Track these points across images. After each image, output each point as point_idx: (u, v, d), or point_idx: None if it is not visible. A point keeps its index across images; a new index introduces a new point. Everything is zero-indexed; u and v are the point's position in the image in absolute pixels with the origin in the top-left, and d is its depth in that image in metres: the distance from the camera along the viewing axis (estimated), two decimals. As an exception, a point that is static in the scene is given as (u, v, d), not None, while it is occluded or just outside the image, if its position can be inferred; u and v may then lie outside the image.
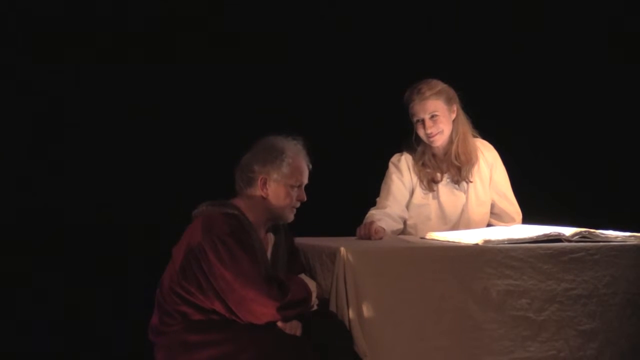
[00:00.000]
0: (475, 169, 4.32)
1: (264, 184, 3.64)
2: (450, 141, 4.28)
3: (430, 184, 4.30)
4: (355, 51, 5.17)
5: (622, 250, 3.86)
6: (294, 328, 3.52)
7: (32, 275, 4.77)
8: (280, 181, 3.64)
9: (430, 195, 4.31)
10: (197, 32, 4.99)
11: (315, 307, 3.62)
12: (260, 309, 3.46)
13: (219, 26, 5.04)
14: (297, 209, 3.71)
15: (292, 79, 5.07)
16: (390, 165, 4.36)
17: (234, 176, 3.69)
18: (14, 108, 4.75)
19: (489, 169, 4.36)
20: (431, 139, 4.23)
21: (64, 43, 4.79)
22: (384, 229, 4.03)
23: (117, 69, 4.87)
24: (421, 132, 4.25)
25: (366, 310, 3.55)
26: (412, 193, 4.32)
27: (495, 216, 4.40)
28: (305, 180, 3.71)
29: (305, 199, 3.69)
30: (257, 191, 3.65)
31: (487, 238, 3.78)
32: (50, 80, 4.79)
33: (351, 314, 3.53)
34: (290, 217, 3.71)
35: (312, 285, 3.64)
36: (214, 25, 5.03)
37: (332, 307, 3.57)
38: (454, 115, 4.27)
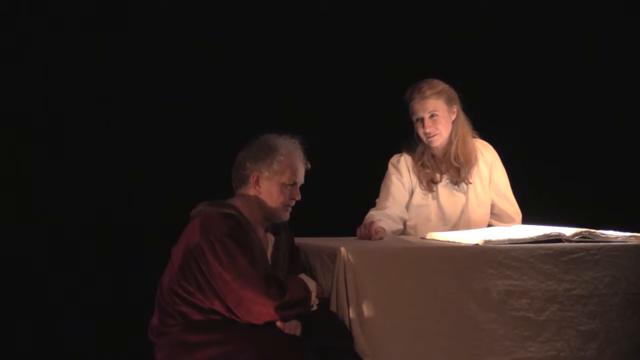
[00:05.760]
0: (474, 170, 4.32)
1: (257, 181, 3.64)
2: (450, 142, 4.28)
3: (430, 184, 4.30)
4: (356, 51, 5.17)
5: (623, 250, 3.86)
6: (293, 328, 3.52)
7: (32, 274, 4.76)
8: (272, 179, 3.63)
9: (430, 196, 4.31)
10: (195, 30, 4.99)
11: (315, 307, 3.62)
12: (259, 309, 3.46)
13: (218, 25, 5.04)
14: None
15: (292, 78, 5.06)
16: (390, 166, 4.36)
17: (231, 175, 3.70)
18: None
19: (489, 170, 4.36)
20: (430, 139, 4.23)
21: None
22: (384, 229, 4.03)
23: (117, 68, 4.87)
24: (420, 132, 4.25)
25: (366, 310, 3.55)
26: (411, 194, 4.32)
27: (495, 216, 4.40)
28: (300, 179, 3.69)
29: (299, 197, 3.68)
30: (251, 189, 3.65)
31: (488, 238, 3.78)
32: (47, 80, 4.80)
33: (351, 314, 3.53)
34: (285, 216, 3.70)
35: (311, 285, 3.64)
36: (213, 23, 5.03)
37: (332, 307, 3.57)
38: (454, 116, 4.27)
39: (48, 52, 4.78)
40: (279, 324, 3.51)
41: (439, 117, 4.21)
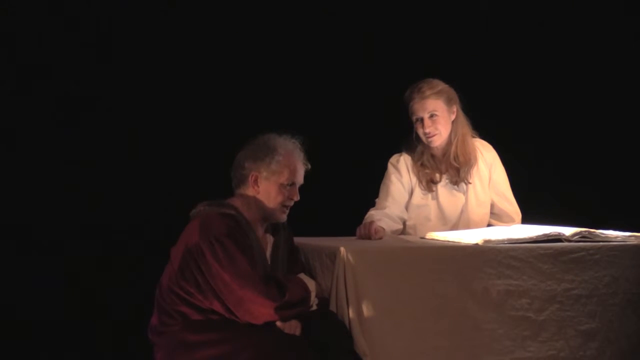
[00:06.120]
0: (474, 170, 4.32)
1: (255, 181, 3.64)
2: (449, 142, 4.28)
3: (429, 184, 4.30)
4: (356, 50, 5.17)
5: (622, 250, 3.86)
6: (293, 328, 3.52)
7: (32, 274, 4.76)
8: (270, 179, 3.63)
9: (430, 195, 4.31)
10: (195, 30, 5.00)
11: (314, 307, 3.62)
12: (258, 309, 3.46)
13: (219, 24, 5.04)
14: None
15: (292, 78, 5.06)
16: (389, 166, 4.36)
17: (230, 174, 3.70)
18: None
19: (488, 169, 4.36)
20: (429, 139, 4.23)
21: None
22: (383, 229, 4.04)
23: (117, 68, 4.87)
24: (420, 132, 4.25)
25: (366, 310, 3.55)
26: (411, 194, 4.32)
27: (495, 216, 4.40)
28: (299, 179, 3.69)
29: (298, 198, 3.68)
30: (250, 189, 3.65)
31: (487, 238, 3.78)
32: (48, 78, 4.80)
33: (351, 313, 3.53)
34: (282, 216, 3.69)
35: (311, 284, 3.64)
36: (214, 23, 5.03)
37: (332, 307, 3.57)
38: (453, 116, 4.27)
39: (48, 52, 4.79)
40: (278, 324, 3.51)
41: (439, 117, 4.22)
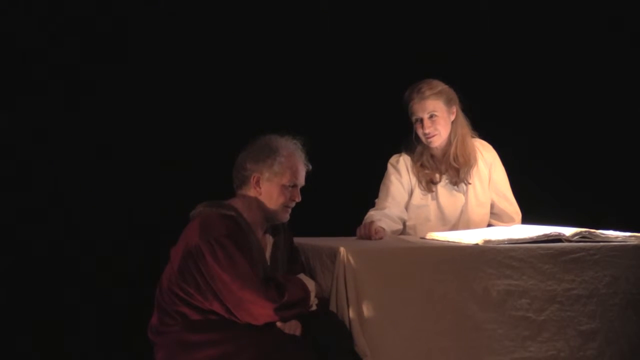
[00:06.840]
0: (474, 170, 4.32)
1: (257, 182, 3.64)
2: (449, 142, 4.29)
3: (429, 185, 4.31)
4: (355, 51, 5.17)
5: (622, 250, 3.86)
6: (293, 328, 3.52)
7: (32, 274, 4.76)
8: (272, 180, 3.63)
9: (429, 196, 4.32)
10: (195, 29, 5.00)
11: (314, 307, 3.62)
12: (258, 310, 3.46)
13: (219, 25, 5.04)
14: (298, 209, 3.71)
15: (293, 79, 5.06)
16: (389, 167, 4.36)
17: (232, 175, 3.70)
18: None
19: (488, 169, 4.36)
20: (429, 140, 4.23)
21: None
22: (384, 229, 4.04)
23: (117, 68, 4.87)
24: (419, 132, 4.25)
25: (366, 310, 3.55)
26: (411, 194, 4.32)
27: (495, 216, 4.40)
28: (301, 181, 3.69)
29: (300, 199, 3.68)
30: (251, 190, 3.65)
31: (488, 238, 3.78)
32: (48, 81, 4.80)
33: (351, 314, 3.53)
34: (285, 217, 3.69)
35: (311, 285, 3.64)
36: (214, 23, 5.03)
37: (332, 307, 3.58)
38: (453, 117, 4.27)
39: (49, 52, 4.79)
40: (279, 324, 3.52)
41: (438, 117, 4.22)
